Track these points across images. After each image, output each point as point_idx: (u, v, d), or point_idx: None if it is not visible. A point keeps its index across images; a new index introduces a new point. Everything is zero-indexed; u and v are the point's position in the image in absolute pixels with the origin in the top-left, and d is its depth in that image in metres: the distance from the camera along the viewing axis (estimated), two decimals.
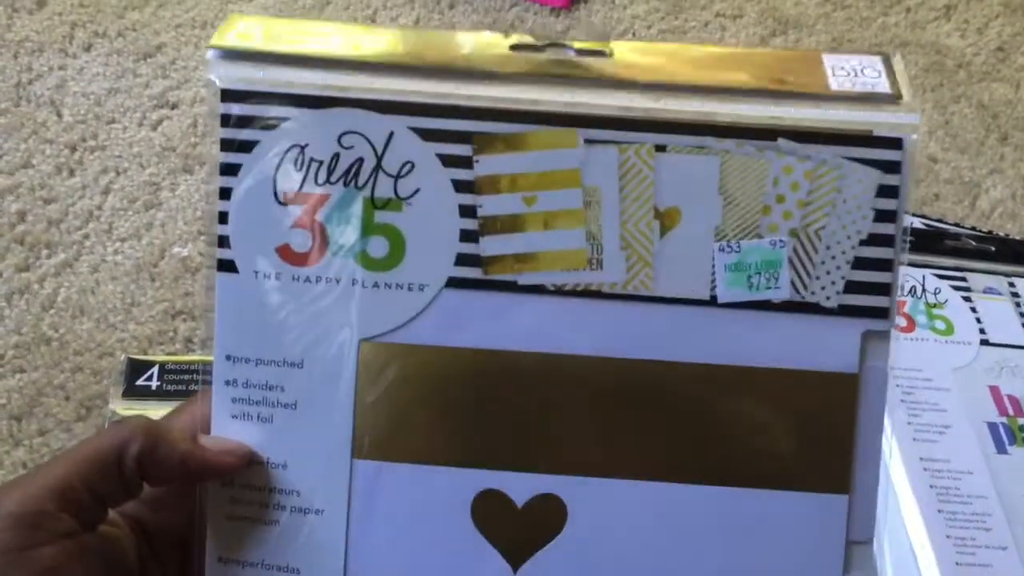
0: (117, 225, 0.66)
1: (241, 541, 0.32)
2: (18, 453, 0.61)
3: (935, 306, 0.61)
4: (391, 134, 0.30)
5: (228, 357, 0.31)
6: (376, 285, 0.30)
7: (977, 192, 0.77)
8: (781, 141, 0.31)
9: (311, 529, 0.31)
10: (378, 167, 0.30)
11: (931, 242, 0.66)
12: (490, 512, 0.31)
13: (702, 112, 0.30)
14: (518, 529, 0.31)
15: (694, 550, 0.31)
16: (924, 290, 0.62)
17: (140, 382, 0.53)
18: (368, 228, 0.30)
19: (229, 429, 0.31)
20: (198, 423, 0.32)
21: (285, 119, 0.30)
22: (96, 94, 0.69)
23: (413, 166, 0.30)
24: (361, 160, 0.30)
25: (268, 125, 0.30)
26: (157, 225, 0.66)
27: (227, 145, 0.30)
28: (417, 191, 0.30)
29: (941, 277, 0.63)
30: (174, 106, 0.70)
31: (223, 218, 0.31)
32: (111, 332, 0.64)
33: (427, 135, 0.30)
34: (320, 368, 0.30)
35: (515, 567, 0.31)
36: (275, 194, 0.30)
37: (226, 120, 0.30)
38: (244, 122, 0.30)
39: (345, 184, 0.30)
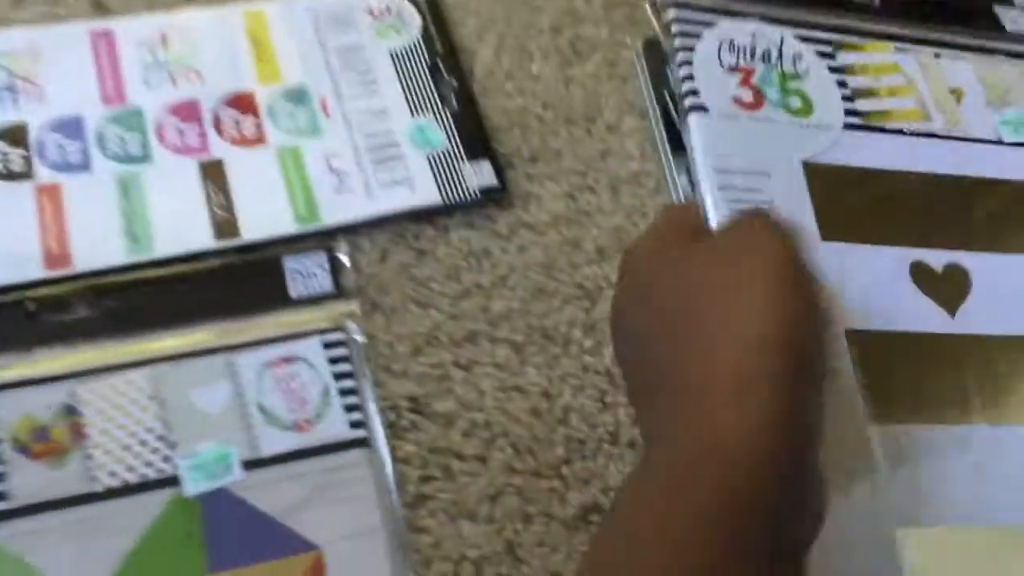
0: None
1: None
2: None
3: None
4: (782, 38, 0.48)
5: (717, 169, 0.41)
6: (800, 126, 0.45)
7: None
8: None
9: None
10: (780, 54, 0.47)
11: None
12: (919, 275, 0.43)
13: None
14: (941, 287, 0.43)
15: None
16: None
17: None
18: (785, 90, 0.45)
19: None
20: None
21: (715, 23, 0.46)
22: None
23: (802, 55, 0.48)
24: (769, 50, 0.47)
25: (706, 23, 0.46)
26: None
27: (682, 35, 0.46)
28: (808, 69, 0.47)
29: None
30: None
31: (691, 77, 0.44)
32: None
33: (804, 39, 0.47)
34: (783, 176, 0.42)
35: (951, 313, 0.42)
36: (722, 66, 0.45)
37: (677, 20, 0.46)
38: (687, 22, 0.46)
39: (764, 61, 0.47)
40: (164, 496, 0.36)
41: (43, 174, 0.41)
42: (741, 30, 0.46)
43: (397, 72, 0.47)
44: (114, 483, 0.36)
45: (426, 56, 0.47)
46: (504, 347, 0.41)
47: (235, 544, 0.36)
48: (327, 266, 0.42)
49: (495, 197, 0.44)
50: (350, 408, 0.39)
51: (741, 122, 0.44)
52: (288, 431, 0.38)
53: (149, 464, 0.37)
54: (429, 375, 0.40)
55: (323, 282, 0.42)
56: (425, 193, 0.43)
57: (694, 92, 0.44)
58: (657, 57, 0.48)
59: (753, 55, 0.46)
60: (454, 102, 0.46)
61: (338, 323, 0.40)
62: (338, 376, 0.39)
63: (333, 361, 0.40)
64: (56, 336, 0.38)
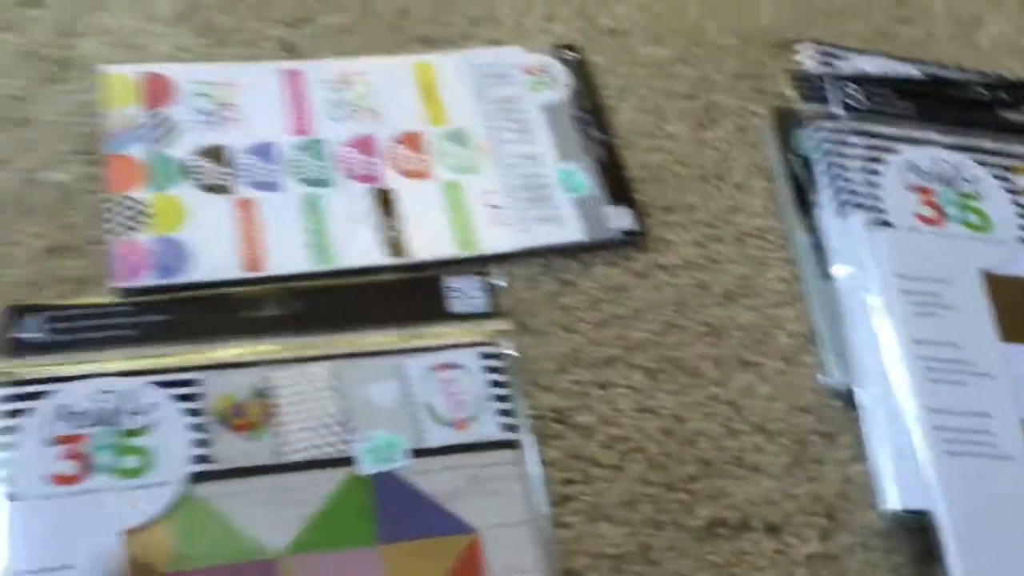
0: None
1: None
2: None
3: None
4: (961, 162, 0.45)
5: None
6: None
7: (975, 28, 0.68)
8: None
9: None
10: (959, 177, 0.46)
11: (933, 100, 0.57)
12: None
13: None
14: None
15: None
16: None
17: (25, 335, 0.44)
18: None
19: None
20: None
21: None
22: None
23: (979, 178, 0.48)
24: (949, 173, 0.46)
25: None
26: (25, 147, 0.55)
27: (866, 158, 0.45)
28: (985, 191, 0.48)
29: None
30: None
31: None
32: None
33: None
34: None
35: None
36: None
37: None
38: (875, 149, 0.46)
39: (944, 184, 0.45)
40: (342, 473, 0.40)
41: (241, 190, 0.47)
42: (923, 156, 0.52)
43: (548, 122, 0.52)
44: (300, 458, 0.41)
45: (574, 110, 0.53)
46: (639, 372, 0.46)
47: (402, 520, 0.40)
48: (482, 288, 0.46)
49: (634, 240, 0.49)
50: (502, 413, 0.43)
51: (923, 235, 0.50)
52: (448, 427, 0.42)
53: (330, 445, 0.41)
54: (571, 391, 0.45)
55: (479, 302, 0.46)
56: (571, 231, 0.48)
57: (880, 208, 0.50)
58: (785, 125, 0.53)
59: (934, 177, 0.51)
60: (599, 153, 0.51)
61: (492, 338, 0.44)
62: (492, 384, 0.43)
63: (488, 371, 0.44)
64: (251, 329, 0.43)
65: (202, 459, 0.40)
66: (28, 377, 0.42)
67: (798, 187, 0.51)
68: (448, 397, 0.43)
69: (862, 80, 0.55)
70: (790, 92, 0.53)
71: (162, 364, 0.42)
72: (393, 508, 0.40)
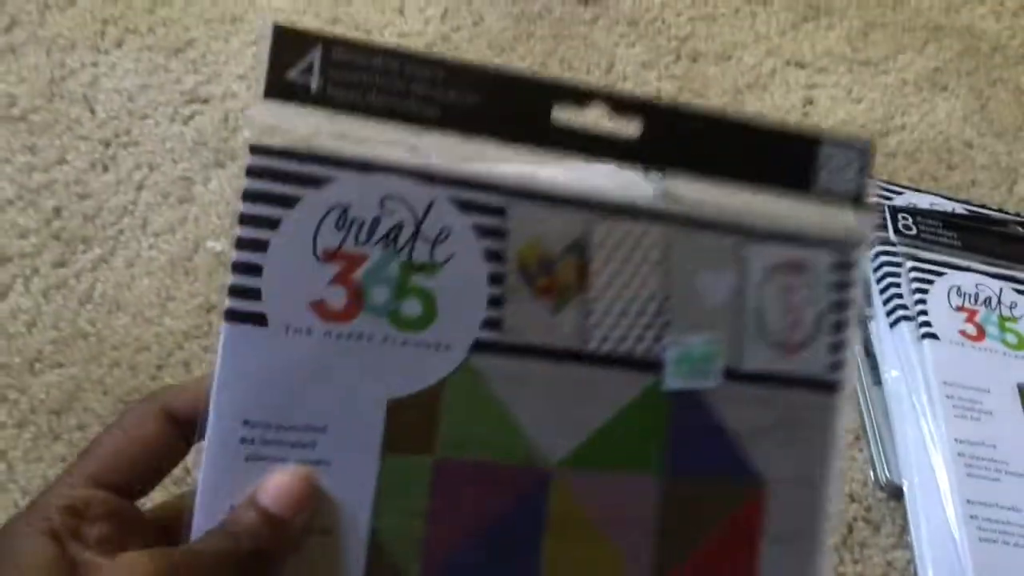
0: (151, 220, 0.65)
1: None
2: (57, 447, 0.58)
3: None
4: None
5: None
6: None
7: (1015, 177, 0.75)
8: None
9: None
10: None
11: (976, 234, 0.65)
12: None
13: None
14: None
15: None
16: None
17: (293, 75, 0.30)
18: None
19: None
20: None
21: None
22: (128, 90, 0.68)
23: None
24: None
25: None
26: (191, 220, 0.64)
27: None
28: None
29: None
30: (205, 100, 0.69)
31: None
32: (147, 327, 0.62)
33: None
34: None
35: None
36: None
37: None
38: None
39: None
40: (644, 381, 0.33)
41: None
42: (967, 280, 0.61)
43: None
44: (604, 348, 0.33)
45: None
46: None
47: (694, 452, 0.33)
48: (859, 166, 0.35)
49: None
50: (834, 347, 0.35)
51: (966, 349, 0.58)
52: (774, 349, 0.34)
53: (640, 339, 0.33)
54: None
55: (851, 181, 0.35)
56: None
57: (928, 323, 0.59)
58: None
59: (976, 300, 0.60)
60: None
61: (854, 238, 0.35)
62: (834, 306, 0.35)
63: (834, 287, 0.35)
64: (578, 145, 0.32)
65: (491, 323, 0.32)
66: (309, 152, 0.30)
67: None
68: (785, 309, 0.34)
69: (914, 212, 0.64)
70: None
71: (465, 174, 0.31)
72: (687, 436, 0.33)
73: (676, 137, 0.33)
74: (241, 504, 0.30)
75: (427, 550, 0.31)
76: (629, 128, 0.33)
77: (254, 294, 0.30)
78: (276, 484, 0.29)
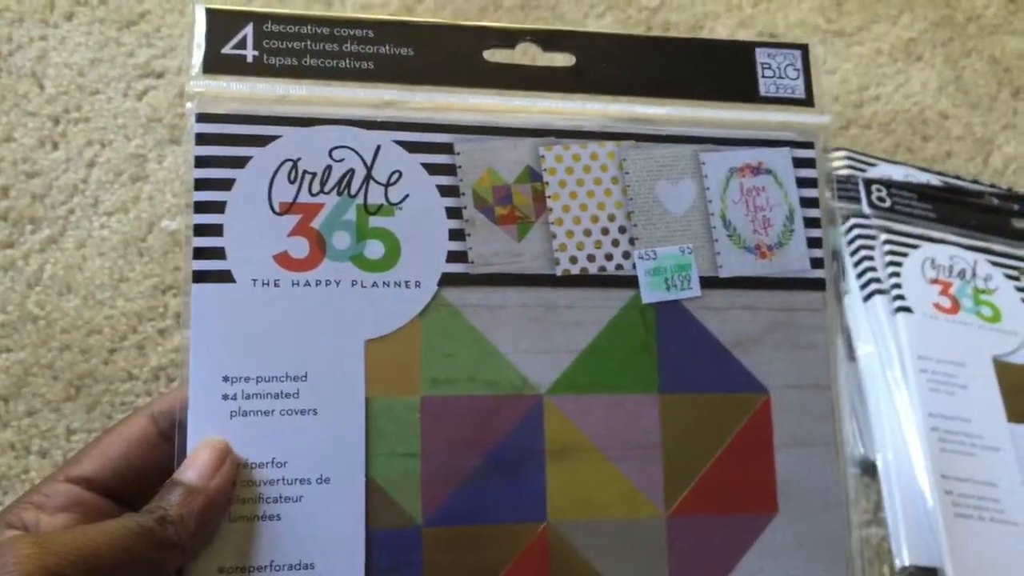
0: (103, 199, 0.62)
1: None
2: (5, 435, 0.56)
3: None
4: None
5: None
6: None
7: (990, 148, 0.74)
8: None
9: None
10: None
11: (951, 205, 0.64)
12: None
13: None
14: None
15: None
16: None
17: (228, 49, 0.33)
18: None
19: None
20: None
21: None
22: (79, 64, 0.66)
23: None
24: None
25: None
26: (144, 198, 0.62)
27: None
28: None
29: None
30: (159, 75, 0.66)
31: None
32: (99, 309, 0.60)
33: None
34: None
35: None
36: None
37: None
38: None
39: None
40: (622, 297, 0.33)
41: None
42: (942, 253, 0.60)
43: None
44: (573, 270, 0.33)
45: None
46: None
47: (687, 366, 0.32)
48: (800, 66, 0.36)
49: None
50: (812, 243, 0.34)
51: (940, 322, 0.57)
52: (748, 253, 0.34)
53: (609, 257, 0.33)
54: None
55: (795, 84, 0.36)
56: None
57: (901, 297, 0.58)
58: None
59: (951, 272, 0.59)
60: None
61: (808, 136, 0.36)
62: (804, 202, 0.35)
63: (801, 183, 0.35)
64: (515, 79, 0.34)
65: (457, 256, 0.32)
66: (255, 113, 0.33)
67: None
68: (751, 212, 0.34)
69: (888, 184, 0.62)
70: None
71: (408, 117, 0.33)
72: (677, 351, 0.32)
73: (612, 63, 0.34)
74: (164, 484, 0.30)
75: (426, 487, 0.31)
76: (560, 61, 0.34)
77: (218, 253, 0.31)
78: (193, 457, 0.29)
